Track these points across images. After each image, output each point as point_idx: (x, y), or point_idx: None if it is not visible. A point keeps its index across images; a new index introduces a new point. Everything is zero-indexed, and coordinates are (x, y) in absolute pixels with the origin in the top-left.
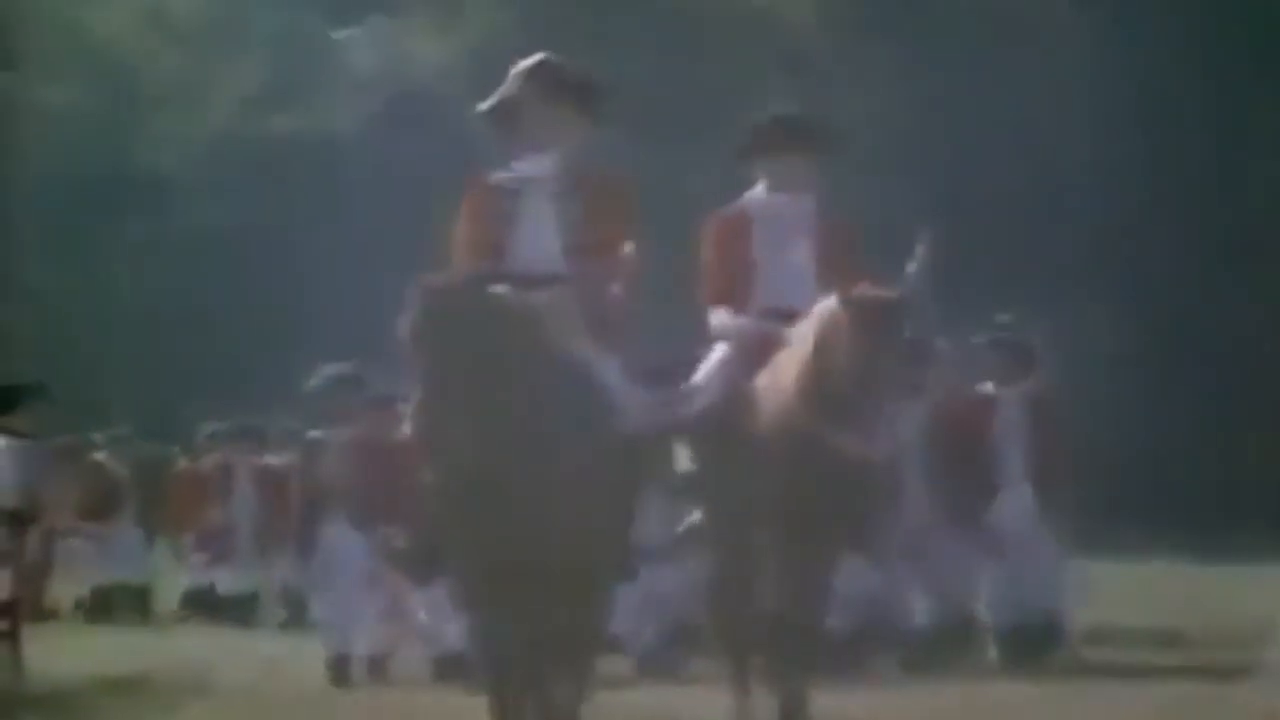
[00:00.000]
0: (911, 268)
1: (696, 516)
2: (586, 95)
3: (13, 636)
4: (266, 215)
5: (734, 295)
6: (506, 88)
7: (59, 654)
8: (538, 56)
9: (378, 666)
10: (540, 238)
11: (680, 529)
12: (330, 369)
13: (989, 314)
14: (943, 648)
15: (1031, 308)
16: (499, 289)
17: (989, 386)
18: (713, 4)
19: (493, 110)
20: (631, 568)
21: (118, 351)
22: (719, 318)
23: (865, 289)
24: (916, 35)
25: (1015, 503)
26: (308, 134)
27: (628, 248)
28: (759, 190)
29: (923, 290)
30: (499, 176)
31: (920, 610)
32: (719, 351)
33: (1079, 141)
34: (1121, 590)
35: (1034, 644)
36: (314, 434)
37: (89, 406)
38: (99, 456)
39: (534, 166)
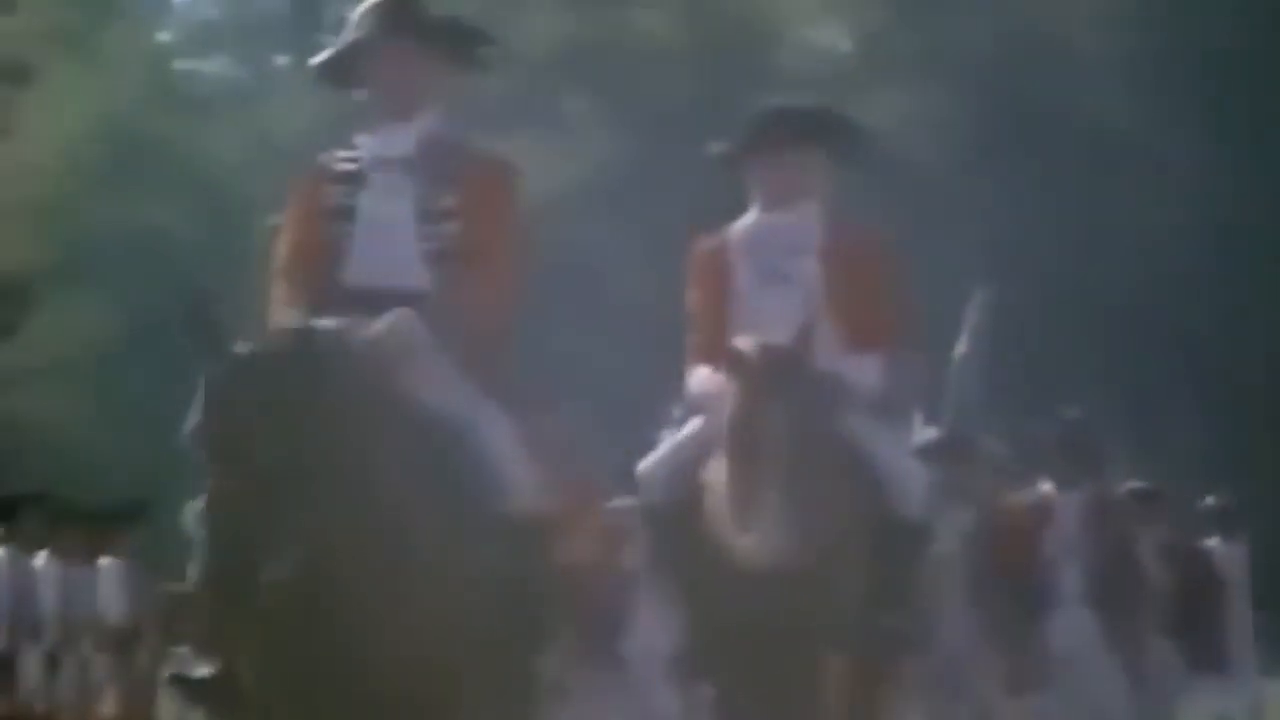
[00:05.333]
0: (962, 347)
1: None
2: (460, 38)
3: None
4: None
5: (715, 349)
6: (351, 31)
7: None
8: None
9: None
10: (391, 240)
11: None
12: None
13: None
14: None
15: (1120, 411)
16: (328, 322)
17: (1047, 488)
18: None
19: (330, 66)
20: (534, 701)
21: None
22: (696, 380)
23: (746, 339)
24: (1024, 152)
25: (1070, 624)
26: None
27: (510, 254)
28: (750, 212)
29: (970, 375)
30: (335, 156)
31: None
32: (689, 426)
33: (1181, 251)
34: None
35: None
36: None
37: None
38: None
39: (385, 142)
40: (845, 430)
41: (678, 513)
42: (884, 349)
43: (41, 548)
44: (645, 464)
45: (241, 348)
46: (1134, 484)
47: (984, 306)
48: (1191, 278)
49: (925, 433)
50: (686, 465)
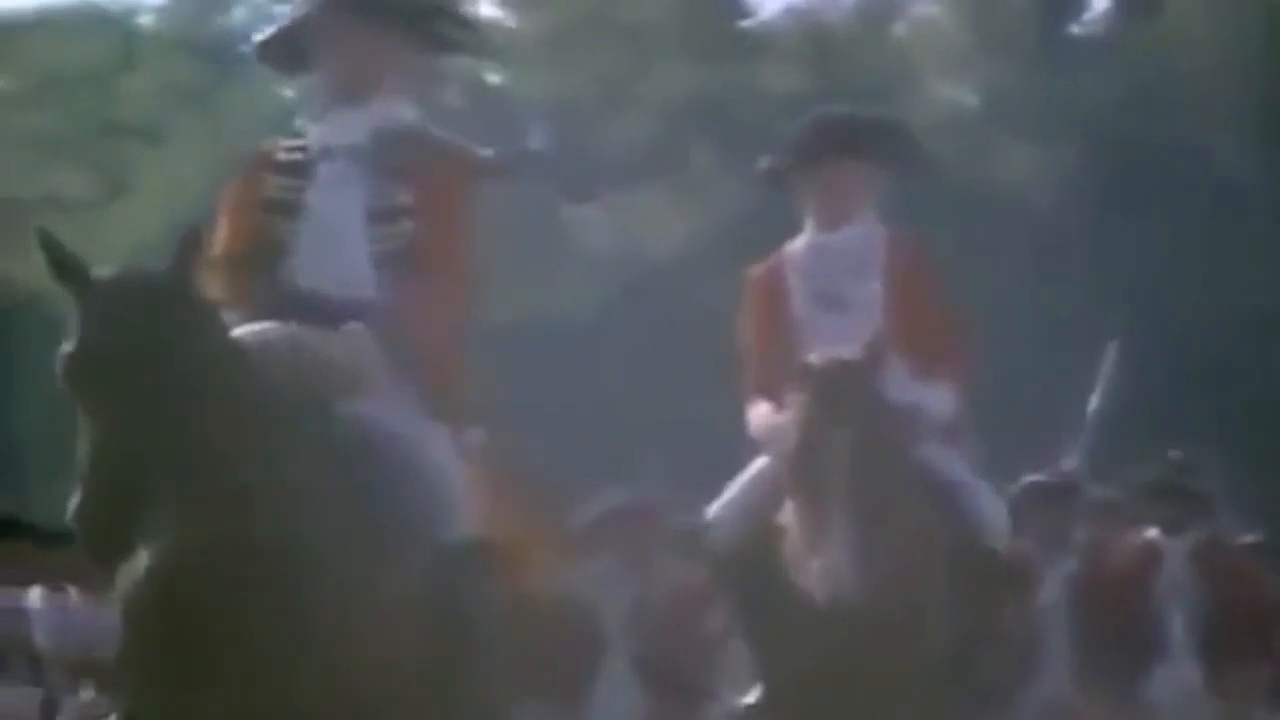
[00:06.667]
0: (1095, 399)
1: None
2: (419, 12)
3: None
4: (497, 401)
5: (774, 381)
6: (297, 7)
7: None
8: None
9: None
10: (339, 241)
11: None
12: None
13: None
14: None
15: (1237, 459)
16: (266, 326)
17: (1153, 534)
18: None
19: (274, 47)
20: None
21: None
22: (757, 416)
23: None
24: (1152, 205)
25: (1173, 674)
26: (539, 318)
27: (465, 259)
28: (805, 232)
29: (1101, 426)
30: (279, 145)
31: None
32: (754, 466)
33: None
34: None
35: None
36: None
37: None
38: None
39: (334, 129)
40: (920, 457)
41: (750, 557)
42: (954, 375)
43: None
44: (715, 508)
45: (103, 274)
46: (1248, 538)
47: (1116, 360)
48: None
49: (1029, 476)
50: (756, 507)
